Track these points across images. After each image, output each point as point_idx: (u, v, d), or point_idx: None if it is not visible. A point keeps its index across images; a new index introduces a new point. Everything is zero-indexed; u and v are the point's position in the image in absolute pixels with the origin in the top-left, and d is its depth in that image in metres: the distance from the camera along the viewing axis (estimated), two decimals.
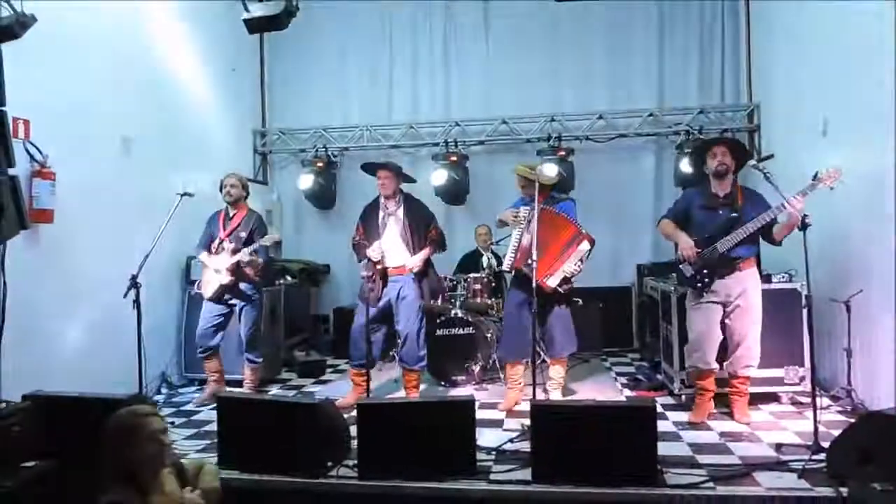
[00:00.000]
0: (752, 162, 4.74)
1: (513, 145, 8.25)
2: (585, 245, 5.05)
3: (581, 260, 5.06)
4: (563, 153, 7.64)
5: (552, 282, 4.99)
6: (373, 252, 5.33)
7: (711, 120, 7.78)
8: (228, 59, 7.80)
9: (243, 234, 5.70)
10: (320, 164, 8.36)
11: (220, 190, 5.84)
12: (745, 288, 4.67)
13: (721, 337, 4.78)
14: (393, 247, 5.46)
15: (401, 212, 5.52)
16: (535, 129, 8.07)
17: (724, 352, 4.83)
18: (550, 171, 5.70)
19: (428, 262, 5.60)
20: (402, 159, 7.86)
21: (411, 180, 5.78)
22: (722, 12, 8.00)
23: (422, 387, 5.79)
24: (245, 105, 8.51)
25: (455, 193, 8.07)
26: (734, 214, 4.64)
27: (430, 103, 8.59)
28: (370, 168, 5.62)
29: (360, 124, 8.56)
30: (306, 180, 8.32)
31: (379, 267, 5.35)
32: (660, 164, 8.14)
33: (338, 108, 8.75)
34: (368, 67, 8.72)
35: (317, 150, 8.43)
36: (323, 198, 8.52)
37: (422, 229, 5.51)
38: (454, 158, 8.01)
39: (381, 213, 5.52)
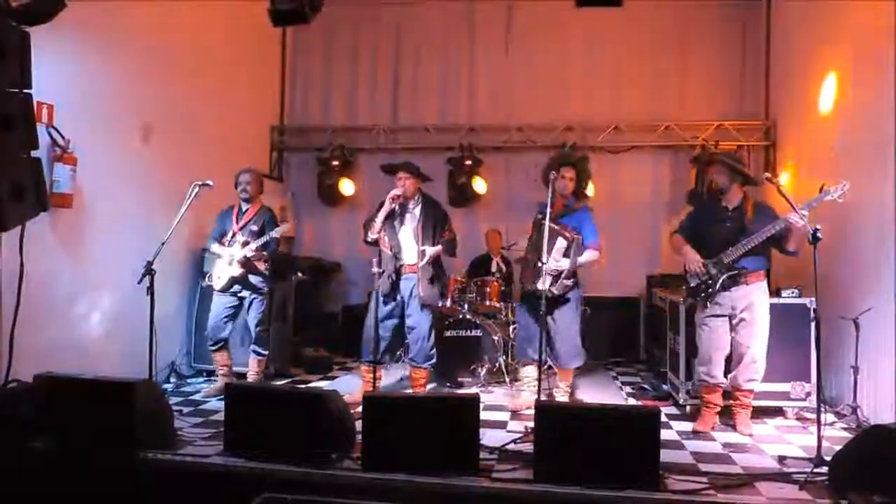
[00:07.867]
0: (767, 175, 4.75)
1: (527, 152, 8.24)
2: (560, 242, 5.02)
3: (564, 256, 5.01)
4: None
5: (541, 285, 4.96)
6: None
7: (728, 134, 7.79)
8: (251, 54, 7.87)
9: (255, 228, 5.74)
10: (335, 163, 8.42)
11: (236, 186, 5.88)
12: (752, 301, 4.68)
13: (728, 351, 4.80)
14: (407, 244, 5.54)
15: (417, 210, 5.59)
16: (551, 137, 8.09)
17: (730, 364, 4.84)
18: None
19: (439, 264, 5.66)
20: (417, 161, 7.88)
21: (428, 179, 5.85)
22: (742, 26, 8.01)
23: (428, 387, 5.84)
24: (264, 101, 8.60)
25: (468, 197, 8.11)
26: (741, 226, 4.67)
27: (446, 106, 8.60)
28: (390, 169, 5.69)
29: (377, 125, 8.62)
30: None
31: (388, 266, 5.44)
32: (675, 175, 8.12)
33: (355, 108, 8.80)
34: (387, 68, 8.76)
35: (333, 150, 8.49)
36: (336, 196, 8.56)
37: (437, 229, 5.58)
38: (469, 162, 8.06)
39: (397, 209, 5.57)
